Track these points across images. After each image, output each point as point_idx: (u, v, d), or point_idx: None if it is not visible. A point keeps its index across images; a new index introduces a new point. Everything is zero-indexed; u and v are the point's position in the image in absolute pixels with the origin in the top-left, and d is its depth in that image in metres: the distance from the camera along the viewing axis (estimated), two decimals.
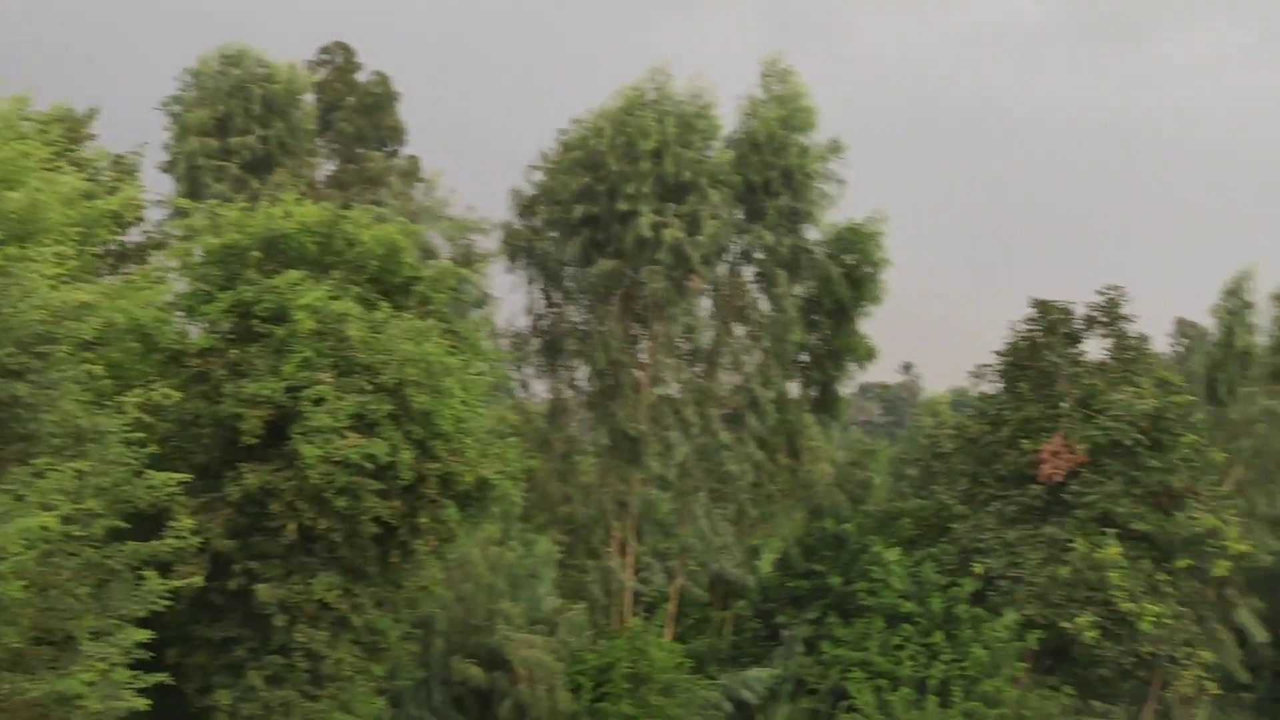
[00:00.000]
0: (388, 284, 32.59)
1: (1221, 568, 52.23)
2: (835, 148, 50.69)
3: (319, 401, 29.36)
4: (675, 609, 51.23)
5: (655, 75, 48.43)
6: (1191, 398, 54.81)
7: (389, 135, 61.90)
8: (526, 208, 49.28)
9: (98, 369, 26.99)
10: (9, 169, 25.62)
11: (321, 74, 61.45)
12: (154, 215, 43.69)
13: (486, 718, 43.27)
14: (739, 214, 49.95)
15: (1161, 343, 66.52)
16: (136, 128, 53.81)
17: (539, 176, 49.23)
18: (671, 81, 48.49)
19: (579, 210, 47.71)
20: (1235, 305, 58.25)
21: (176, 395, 28.86)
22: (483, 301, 47.43)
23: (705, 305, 50.99)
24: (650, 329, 49.48)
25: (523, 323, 50.18)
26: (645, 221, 46.57)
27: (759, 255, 50.83)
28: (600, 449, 49.75)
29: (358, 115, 60.99)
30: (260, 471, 29.70)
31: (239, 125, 52.72)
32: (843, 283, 51.74)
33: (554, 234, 49.20)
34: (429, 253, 42.96)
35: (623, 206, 46.91)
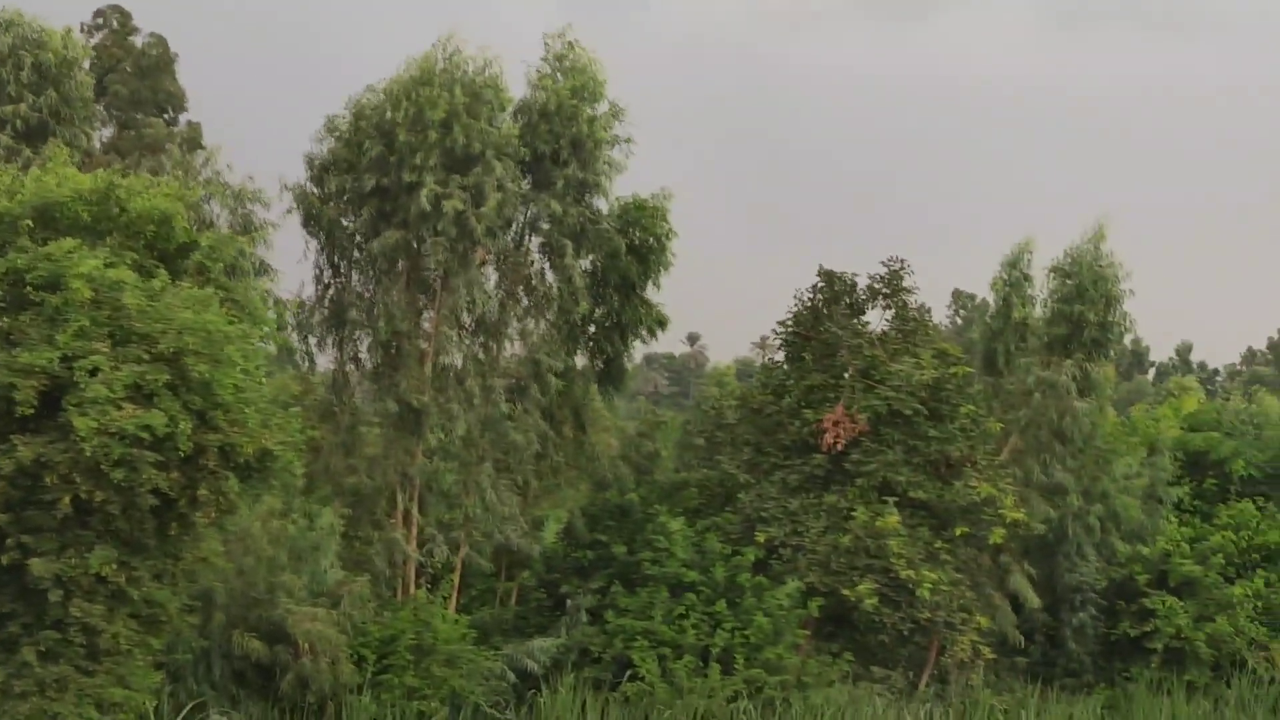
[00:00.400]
0: (163, 250, 32.11)
1: (997, 535, 53.39)
2: (616, 112, 50.81)
3: (94, 372, 28.86)
4: (459, 580, 51.13)
5: (446, 45, 48.09)
6: (969, 369, 55.93)
7: (168, 100, 60.89)
8: (318, 175, 48.66)
9: None
10: None
11: (97, 38, 60.28)
12: None
13: (269, 691, 42.92)
14: (526, 184, 49.87)
15: (939, 314, 67.77)
16: None
17: (330, 144, 48.62)
18: (461, 51, 48.16)
19: (369, 180, 47.24)
20: (1014, 277, 59.45)
21: None
22: (264, 271, 46.77)
23: (491, 276, 50.85)
24: (435, 300, 49.24)
25: (309, 292, 49.62)
26: (426, 193, 46.25)
27: (545, 225, 50.84)
28: (384, 420, 49.43)
29: (133, 78, 59.88)
30: (34, 443, 29.15)
31: (10, 93, 51.53)
32: (629, 256, 51.94)
33: (342, 202, 48.66)
34: (208, 223, 42.24)
35: (409, 178, 46.54)
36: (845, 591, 51.34)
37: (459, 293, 48.67)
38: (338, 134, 48.26)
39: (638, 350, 55.66)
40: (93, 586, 30.20)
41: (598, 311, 52.73)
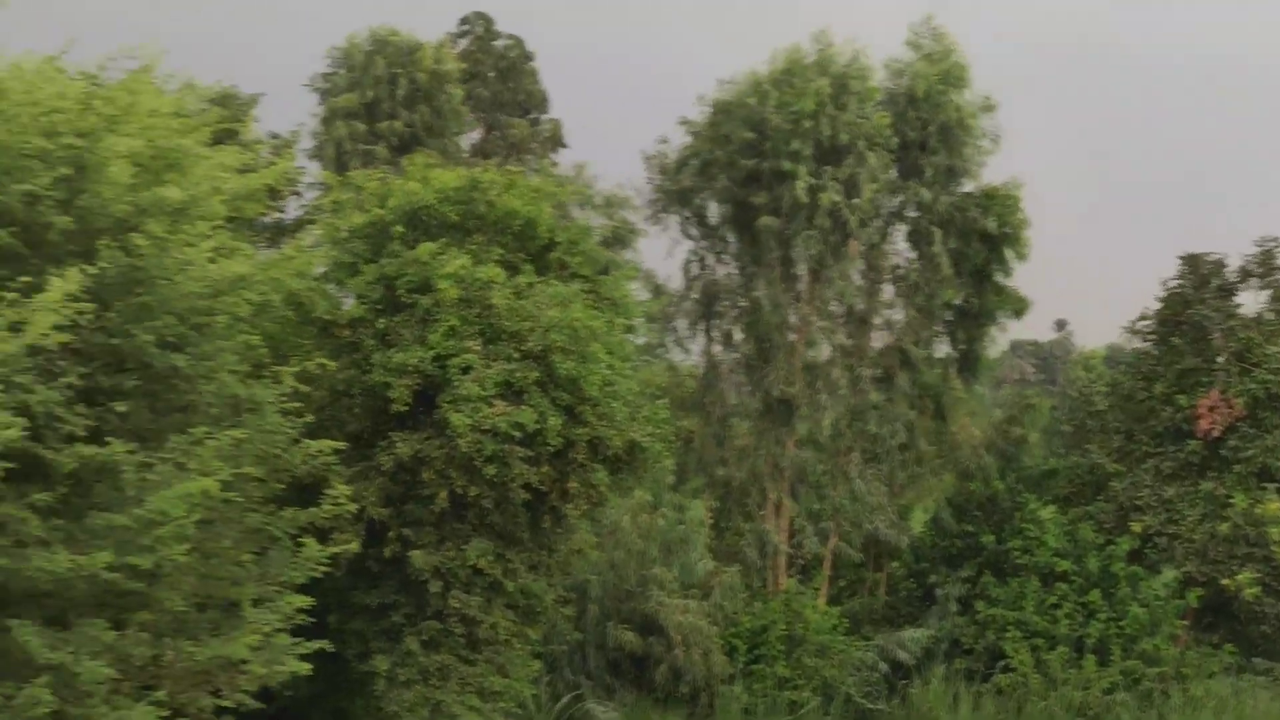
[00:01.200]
0: (530, 248, 32.89)
1: None
2: (988, 106, 50.42)
3: (466, 370, 29.74)
4: (830, 570, 51.28)
5: (817, 38, 48.40)
6: None
7: (529, 100, 62.20)
8: (677, 169, 49.31)
9: (254, 339, 27.51)
10: (174, 156, 26.16)
11: (462, 45, 61.96)
12: (309, 196, 44.95)
13: (642, 681, 43.67)
14: (893, 172, 49.82)
15: None
16: (297, 111, 54.89)
17: (687, 138, 49.25)
18: (831, 44, 48.38)
19: (736, 172, 47.70)
20: None
21: (333, 365, 29.35)
22: (634, 272, 47.62)
23: (859, 265, 50.88)
24: (805, 291, 49.50)
25: (676, 285, 50.40)
26: (801, 185, 46.50)
27: (912, 213, 50.71)
28: (754, 412, 49.87)
29: (496, 81, 61.41)
30: (411, 440, 30.15)
31: (386, 110, 53.33)
32: (981, 242, 51.33)
33: (707, 195, 49.26)
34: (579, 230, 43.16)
35: (785, 166, 46.82)
36: (1224, 581, 50.05)
37: (831, 284, 48.89)
38: (695, 129, 48.79)
39: (1002, 337, 55.07)
40: (470, 578, 31.02)
41: (956, 299, 52.34)
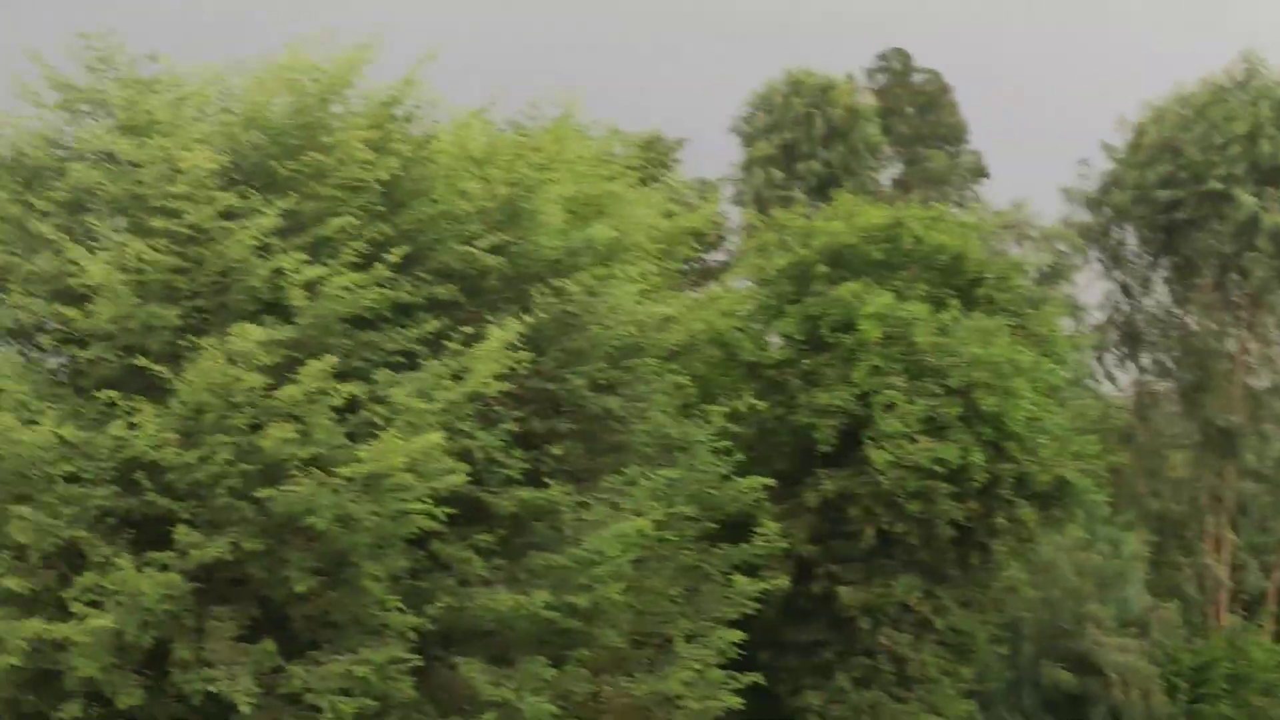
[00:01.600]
0: (956, 282, 32.80)
1: None
2: None
3: (889, 407, 29.83)
4: (1276, 606, 49.58)
5: (1247, 57, 47.19)
6: None
7: (948, 133, 61.58)
8: (1097, 198, 48.59)
9: (683, 379, 28.07)
10: (602, 201, 26.96)
11: (880, 81, 61.82)
12: (732, 240, 45.68)
13: None
14: None
15: None
16: (722, 156, 55.72)
17: (1107, 166, 48.49)
18: (1264, 64, 47.12)
19: (1162, 198, 46.75)
20: None
21: (764, 406, 29.79)
22: (1064, 309, 46.99)
23: None
24: (1247, 318, 48.18)
25: (1100, 316, 49.63)
26: (1244, 207, 45.27)
27: None
28: (1191, 443, 48.70)
29: (914, 116, 61.08)
30: (837, 477, 30.37)
31: (803, 150, 53.68)
32: None
33: (1130, 224, 48.42)
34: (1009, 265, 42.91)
35: (1214, 186, 45.66)
36: None
37: (1274, 309, 47.59)
38: (1117, 156, 47.97)
39: None
40: (899, 615, 31.09)
41: None
